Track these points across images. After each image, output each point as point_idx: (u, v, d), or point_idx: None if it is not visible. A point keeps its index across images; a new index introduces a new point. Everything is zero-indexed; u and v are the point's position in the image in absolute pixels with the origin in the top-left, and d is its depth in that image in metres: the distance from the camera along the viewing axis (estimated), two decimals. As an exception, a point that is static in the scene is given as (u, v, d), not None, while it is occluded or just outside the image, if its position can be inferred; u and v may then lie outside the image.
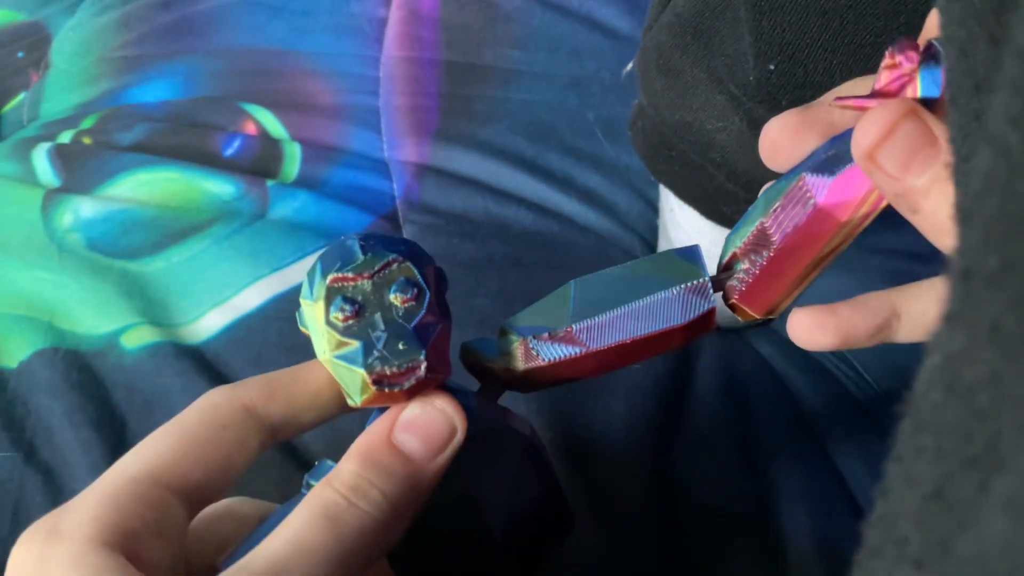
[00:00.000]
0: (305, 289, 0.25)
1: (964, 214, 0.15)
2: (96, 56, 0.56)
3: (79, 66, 0.56)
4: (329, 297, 0.24)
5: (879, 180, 0.23)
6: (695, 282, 0.26)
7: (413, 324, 0.24)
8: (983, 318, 0.14)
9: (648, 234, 0.49)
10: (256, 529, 0.25)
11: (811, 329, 0.27)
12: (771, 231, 0.26)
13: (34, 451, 0.38)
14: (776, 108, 0.36)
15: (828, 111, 0.26)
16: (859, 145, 0.22)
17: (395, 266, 0.24)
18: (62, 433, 0.38)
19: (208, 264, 0.44)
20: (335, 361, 0.24)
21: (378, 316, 0.24)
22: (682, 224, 0.46)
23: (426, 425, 0.24)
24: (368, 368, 0.23)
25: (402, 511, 0.24)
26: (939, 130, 0.22)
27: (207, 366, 0.40)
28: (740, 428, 0.41)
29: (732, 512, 0.38)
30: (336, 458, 0.25)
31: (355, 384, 0.24)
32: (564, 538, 0.30)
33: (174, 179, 0.47)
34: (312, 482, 0.25)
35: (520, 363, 0.27)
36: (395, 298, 0.24)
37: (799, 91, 0.35)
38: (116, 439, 0.38)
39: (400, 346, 0.24)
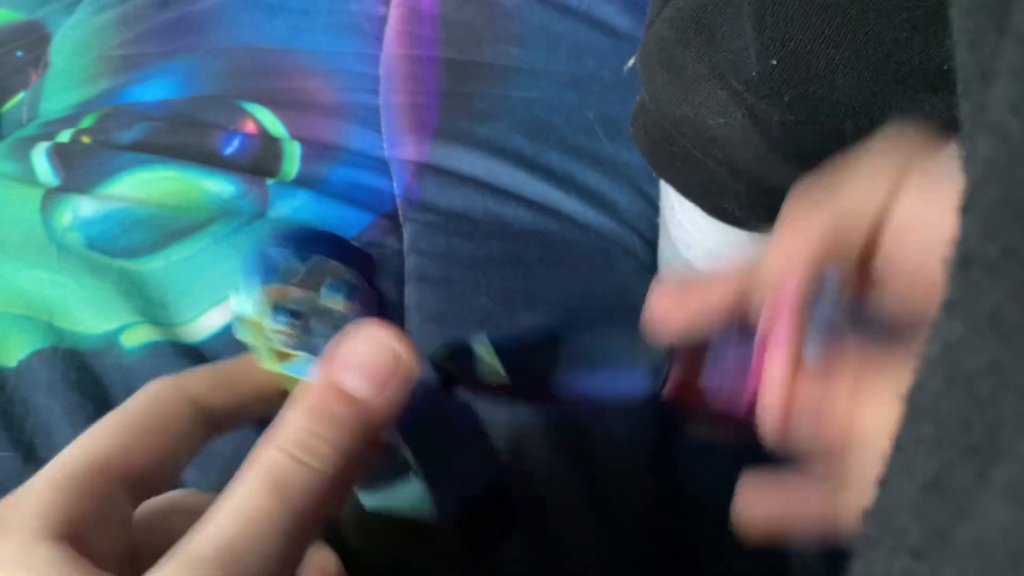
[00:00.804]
0: (238, 303, 0.24)
1: (965, 203, 0.15)
2: (95, 55, 0.56)
3: (78, 65, 0.56)
4: (265, 311, 0.24)
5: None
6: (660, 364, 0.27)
7: (351, 323, 0.24)
8: (983, 306, 0.14)
9: (648, 232, 0.49)
10: None
11: (667, 309, 0.26)
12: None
13: (33, 450, 0.38)
14: (778, 103, 0.36)
15: (704, 290, 0.26)
16: (769, 433, 0.23)
17: (320, 267, 0.24)
18: (61, 432, 0.38)
19: (207, 263, 0.44)
20: (283, 373, 0.24)
21: (317, 323, 0.24)
22: (683, 222, 0.45)
23: (371, 360, 0.22)
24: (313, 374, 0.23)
25: (354, 461, 0.22)
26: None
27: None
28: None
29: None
30: None
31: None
32: (511, 530, 0.29)
33: (173, 178, 0.47)
34: None
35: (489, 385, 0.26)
36: (330, 303, 0.24)
37: (801, 86, 0.35)
38: (116, 438, 0.38)
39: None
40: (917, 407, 0.15)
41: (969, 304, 0.14)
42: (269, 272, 0.24)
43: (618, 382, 0.27)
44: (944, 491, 0.14)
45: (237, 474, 0.21)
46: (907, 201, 0.23)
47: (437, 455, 0.26)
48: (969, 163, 0.17)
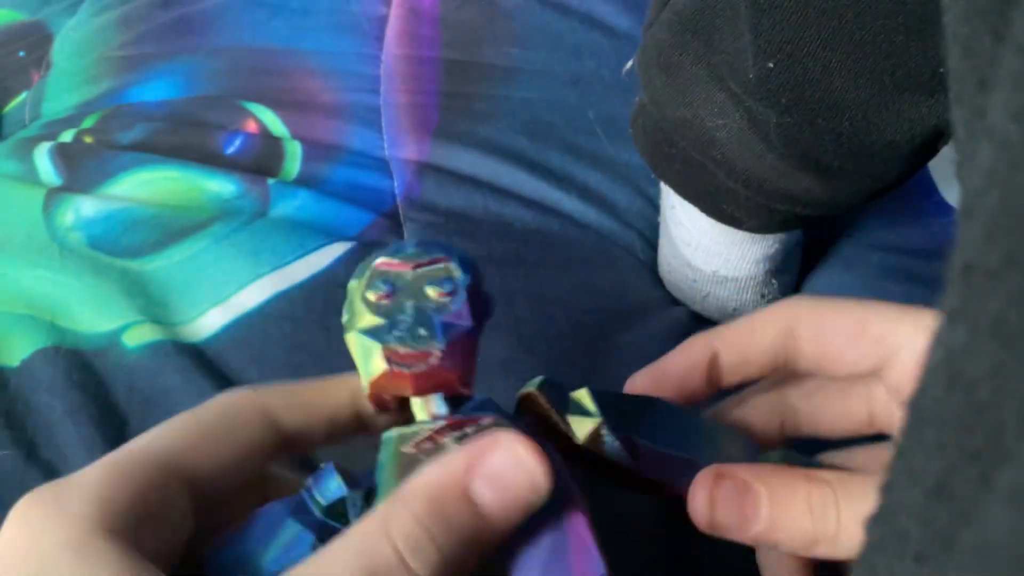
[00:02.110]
0: (355, 272, 0.26)
1: (965, 210, 0.15)
2: (97, 55, 0.56)
3: (80, 65, 0.56)
4: (371, 278, 0.25)
5: (732, 537, 0.25)
6: None
7: (441, 318, 0.24)
8: (985, 313, 0.14)
9: (648, 232, 0.49)
10: (247, 525, 0.24)
11: (650, 392, 0.28)
12: None
13: (35, 450, 0.38)
14: (775, 105, 0.36)
15: (675, 374, 0.29)
16: (699, 522, 0.25)
17: (441, 264, 0.25)
18: (63, 432, 0.38)
19: (209, 262, 0.44)
20: (358, 335, 0.24)
21: (409, 302, 0.24)
22: (683, 222, 0.46)
23: (510, 480, 0.21)
24: (384, 343, 0.24)
25: (458, 571, 0.21)
26: (748, 474, 0.25)
27: (207, 364, 0.40)
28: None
29: None
30: (337, 461, 0.25)
31: (368, 358, 0.24)
32: None
33: (175, 178, 0.47)
34: (317, 496, 0.24)
35: (580, 437, 0.26)
36: (431, 290, 0.25)
37: (798, 89, 0.35)
38: (117, 437, 0.38)
39: (421, 331, 0.24)
40: (920, 412, 0.16)
41: (971, 310, 0.14)
42: (393, 251, 0.25)
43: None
44: (947, 496, 0.14)
45: (337, 542, 0.21)
46: (812, 318, 0.27)
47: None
48: (964, 169, 0.17)
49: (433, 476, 0.21)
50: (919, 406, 0.16)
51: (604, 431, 0.26)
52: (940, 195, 0.52)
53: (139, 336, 0.41)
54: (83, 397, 0.39)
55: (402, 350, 0.24)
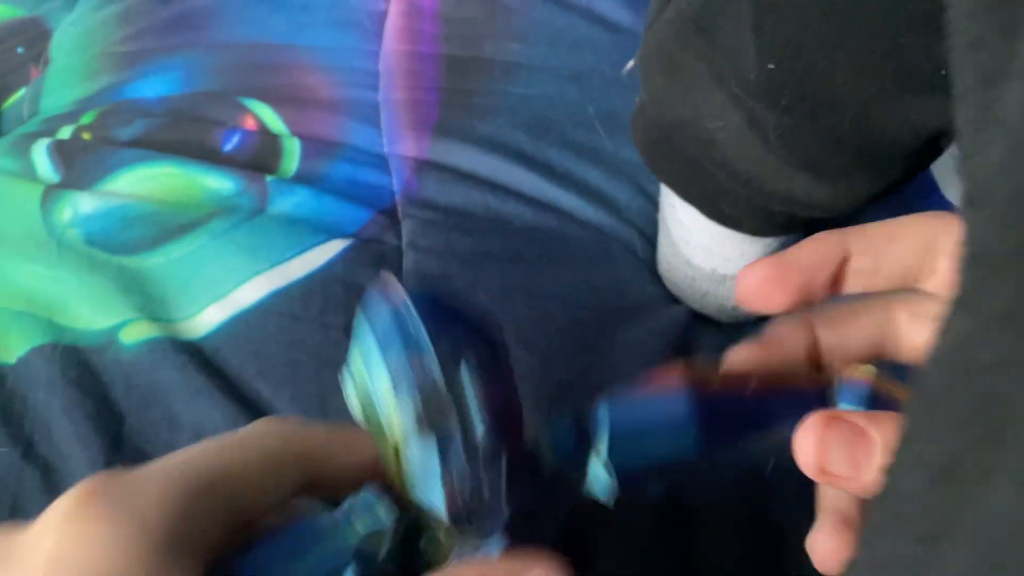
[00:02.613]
0: (374, 399, 0.23)
1: (974, 202, 0.15)
2: (96, 51, 0.56)
3: (79, 61, 0.56)
4: (412, 432, 0.23)
5: (841, 487, 0.23)
6: None
7: (496, 438, 0.23)
8: (995, 302, 0.14)
9: (648, 229, 0.49)
10: (282, 534, 0.24)
11: (770, 285, 0.25)
12: None
13: (32, 446, 0.38)
14: (776, 106, 0.36)
15: (802, 267, 0.26)
16: (807, 467, 0.23)
17: (457, 353, 0.23)
18: (60, 428, 0.38)
19: (207, 259, 0.44)
20: (408, 490, 0.23)
21: (459, 441, 0.23)
22: (683, 220, 0.45)
23: None
24: (453, 518, 0.23)
25: None
26: (863, 420, 0.23)
27: (205, 361, 0.40)
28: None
29: (741, 525, 0.38)
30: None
31: (431, 516, 0.23)
32: None
33: (173, 174, 0.47)
34: (353, 519, 0.24)
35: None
36: (464, 399, 0.23)
37: (799, 89, 0.35)
38: (114, 434, 0.38)
39: (485, 492, 0.23)
40: (926, 399, 0.16)
41: (980, 299, 0.14)
42: (423, 392, 0.23)
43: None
44: (952, 482, 0.15)
45: (322, 532, 0.22)
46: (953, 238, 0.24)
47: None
48: (968, 164, 0.17)
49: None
50: (926, 392, 0.16)
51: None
52: (941, 193, 0.52)
53: (136, 333, 0.41)
54: (80, 394, 0.39)
55: (467, 516, 0.23)
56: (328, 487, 0.26)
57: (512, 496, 0.23)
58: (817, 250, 0.26)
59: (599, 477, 0.25)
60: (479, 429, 0.23)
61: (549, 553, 0.22)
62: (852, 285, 0.26)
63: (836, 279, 0.26)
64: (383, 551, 0.24)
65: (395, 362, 0.23)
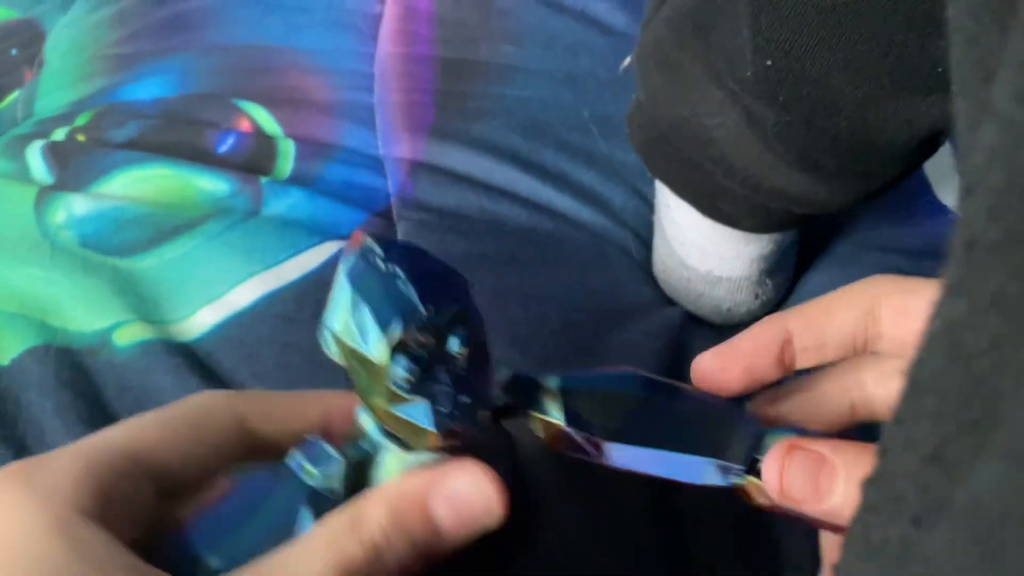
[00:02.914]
0: (353, 335, 0.23)
1: (968, 188, 0.15)
2: (90, 53, 0.56)
3: (73, 63, 0.56)
4: (394, 355, 0.23)
5: (804, 511, 0.25)
6: (730, 465, 0.27)
7: (470, 372, 0.24)
8: (985, 286, 0.14)
9: (643, 231, 0.49)
10: (230, 495, 0.25)
11: (716, 373, 0.28)
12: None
13: (25, 449, 0.38)
14: (773, 103, 0.36)
15: (744, 354, 0.28)
16: (772, 491, 0.25)
17: (449, 314, 0.24)
18: (53, 431, 0.38)
19: (201, 261, 0.44)
20: (394, 413, 0.23)
21: (442, 371, 0.23)
22: (678, 221, 0.45)
23: (466, 503, 0.24)
24: (439, 426, 0.23)
25: (408, 570, 0.24)
26: (825, 447, 0.25)
27: (199, 364, 0.40)
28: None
29: (734, 523, 0.38)
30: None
31: (417, 437, 0.24)
32: (518, 557, 0.30)
33: (167, 176, 0.47)
34: (305, 464, 0.24)
35: (543, 434, 0.27)
36: (456, 351, 0.24)
37: (796, 87, 0.35)
38: (108, 437, 0.38)
39: (464, 399, 0.23)
40: (918, 382, 0.16)
41: (971, 284, 0.14)
42: (404, 317, 0.23)
43: (681, 468, 0.27)
44: (944, 463, 0.15)
45: (313, 533, 0.22)
46: (895, 299, 0.26)
47: None
48: (967, 158, 0.17)
49: (398, 490, 0.24)
50: (918, 375, 0.16)
51: (567, 429, 0.26)
52: (934, 195, 0.52)
53: (130, 335, 0.41)
54: (73, 396, 0.39)
55: (456, 426, 0.23)
56: (271, 449, 0.26)
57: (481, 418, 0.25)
58: (757, 336, 0.28)
59: (549, 406, 0.26)
60: (456, 346, 0.24)
61: (480, 464, 0.24)
62: (802, 362, 0.28)
63: (784, 359, 0.27)
64: (337, 488, 0.25)
65: (377, 296, 0.23)
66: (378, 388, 0.23)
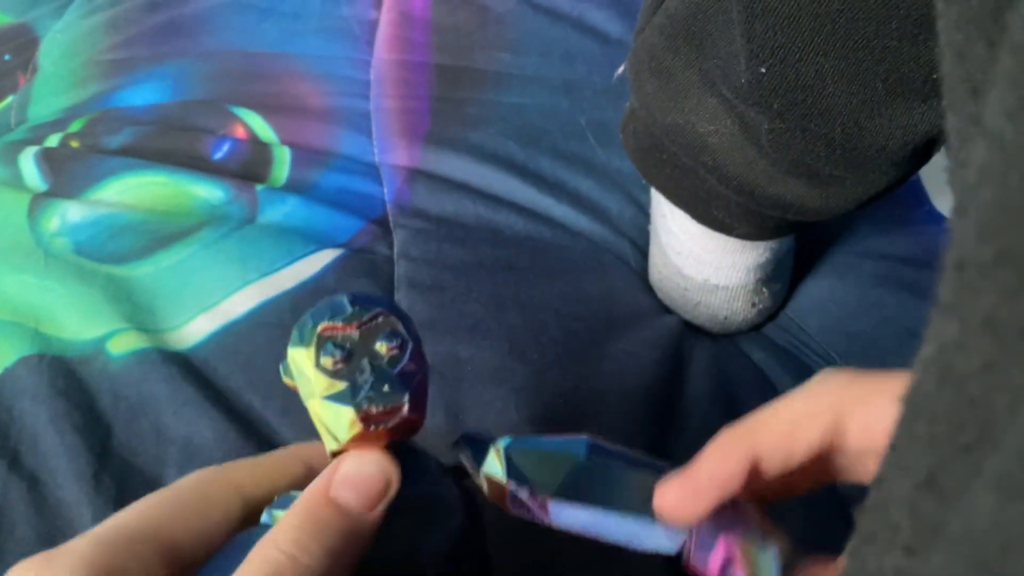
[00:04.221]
0: (295, 337, 0.26)
1: (959, 208, 0.15)
2: (84, 59, 0.56)
3: (67, 69, 0.56)
4: (319, 343, 0.26)
5: None
6: (675, 530, 0.27)
7: (397, 370, 0.26)
8: (977, 308, 0.14)
9: (640, 240, 0.49)
10: (213, 558, 0.26)
11: (684, 508, 0.27)
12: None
13: (18, 458, 0.37)
14: (767, 110, 0.36)
15: (712, 485, 0.27)
16: None
17: (381, 319, 0.26)
18: (47, 440, 0.37)
19: (196, 269, 0.43)
20: (323, 402, 0.25)
21: (365, 361, 0.26)
22: (673, 230, 0.45)
23: (362, 480, 0.25)
24: (356, 407, 0.25)
25: (342, 561, 0.25)
26: None
27: (194, 372, 0.40)
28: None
29: None
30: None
31: (342, 423, 0.25)
32: None
33: (162, 183, 0.47)
34: (274, 512, 0.26)
35: (487, 491, 0.28)
36: (381, 347, 0.26)
37: (790, 94, 0.35)
38: (101, 446, 0.38)
39: (385, 388, 0.25)
40: (912, 407, 0.16)
41: (963, 306, 0.14)
42: (332, 313, 0.26)
43: (627, 531, 0.27)
44: (937, 489, 0.15)
45: (241, 567, 0.24)
46: (860, 412, 0.25)
47: (419, 536, 0.27)
48: (957, 175, 0.17)
49: (304, 493, 0.25)
50: (912, 400, 0.16)
51: (511, 487, 0.27)
52: (932, 204, 0.52)
53: (124, 344, 0.41)
54: (67, 405, 0.38)
55: (375, 410, 0.25)
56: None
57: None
58: (725, 465, 0.26)
59: (492, 463, 0.27)
60: (383, 346, 0.26)
61: (372, 449, 0.25)
62: (768, 476, 0.27)
63: (750, 479, 0.26)
64: None
65: (317, 308, 0.26)
66: (311, 383, 0.25)
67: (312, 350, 0.25)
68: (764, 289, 0.46)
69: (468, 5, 0.58)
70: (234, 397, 0.40)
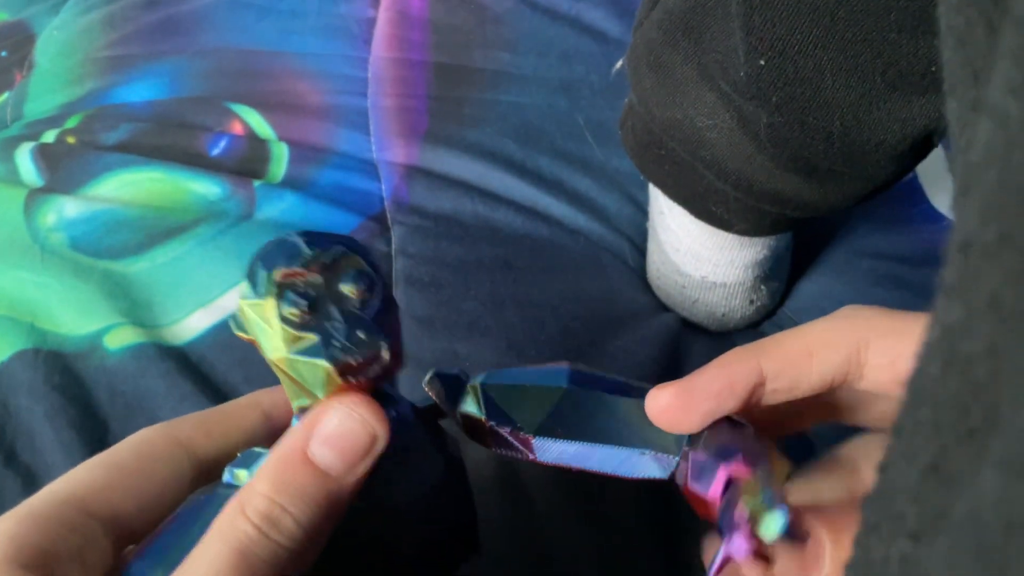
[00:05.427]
0: (246, 289, 0.23)
1: (963, 189, 0.15)
2: (81, 56, 0.56)
3: (64, 66, 0.55)
4: (279, 293, 0.23)
5: None
6: (664, 456, 0.26)
7: (369, 314, 0.23)
8: (981, 290, 0.14)
9: (638, 237, 0.49)
10: (171, 520, 0.24)
11: (676, 412, 0.25)
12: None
13: (14, 453, 0.37)
14: (766, 104, 0.36)
15: (708, 395, 0.25)
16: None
17: (342, 258, 0.24)
18: (43, 435, 0.37)
19: (193, 265, 0.43)
20: (293, 358, 0.23)
21: (333, 308, 0.23)
22: (672, 227, 0.45)
23: (345, 436, 0.22)
24: (332, 360, 0.22)
25: (318, 533, 0.22)
26: (811, 515, 0.23)
27: (191, 367, 0.40)
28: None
29: (655, 523, 0.37)
30: None
31: (317, 379, 0.23)
32: (466, 560, 0.29)
33: (159, 179, 0.47)
34: (236, 471, 0.24)
35: (465, 431, 0.26)
36: (348, 289, 0.23)
37: (789, 87, 0.35)
38: (98, 441, 0.37)
39: (360, 335, 0.23)
40: (916, 392, 0.15)
41: (967, 288, 0.14)
42: (288, 257, 0.23)
43: (615, 462, 0.26)
44: (942, 475, 0.14)
45: (205, 538, 0.22)
46: (886, 343, 0.24)
47: (401, 489, 0.26)
48: (959, 158, 0.17)
49: (276, 453, 0.22)
50: (916, 385, 0.16)
51: (492, 427, 0.26)
52: (929, 203, 0.52)
53: (121, 338, 0.41)
54: (64, 400, 0.38)
55: (352, 360, 0.23)
56: (223, 463, 0.25)
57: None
58: (727, 376, 0.25)
59: (470, 402, 0.26)
60: (348, 286, 0.23)
61: (355, 396, 0.23)
62: (768, 400, 0.25)
63: (750, 399, 0.25)
64: None
65: (269, 252, 0.23)
66: (276, 337, 0.23)
67: (272, 301, 0.23)
68: (762, 287, 0.46)
69: (466, 4, 0.58)
70: (230, 393, 0.40)
